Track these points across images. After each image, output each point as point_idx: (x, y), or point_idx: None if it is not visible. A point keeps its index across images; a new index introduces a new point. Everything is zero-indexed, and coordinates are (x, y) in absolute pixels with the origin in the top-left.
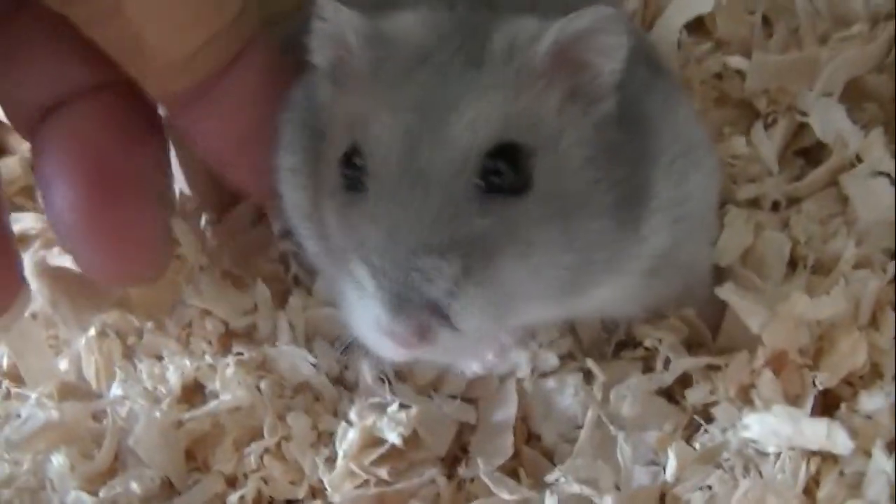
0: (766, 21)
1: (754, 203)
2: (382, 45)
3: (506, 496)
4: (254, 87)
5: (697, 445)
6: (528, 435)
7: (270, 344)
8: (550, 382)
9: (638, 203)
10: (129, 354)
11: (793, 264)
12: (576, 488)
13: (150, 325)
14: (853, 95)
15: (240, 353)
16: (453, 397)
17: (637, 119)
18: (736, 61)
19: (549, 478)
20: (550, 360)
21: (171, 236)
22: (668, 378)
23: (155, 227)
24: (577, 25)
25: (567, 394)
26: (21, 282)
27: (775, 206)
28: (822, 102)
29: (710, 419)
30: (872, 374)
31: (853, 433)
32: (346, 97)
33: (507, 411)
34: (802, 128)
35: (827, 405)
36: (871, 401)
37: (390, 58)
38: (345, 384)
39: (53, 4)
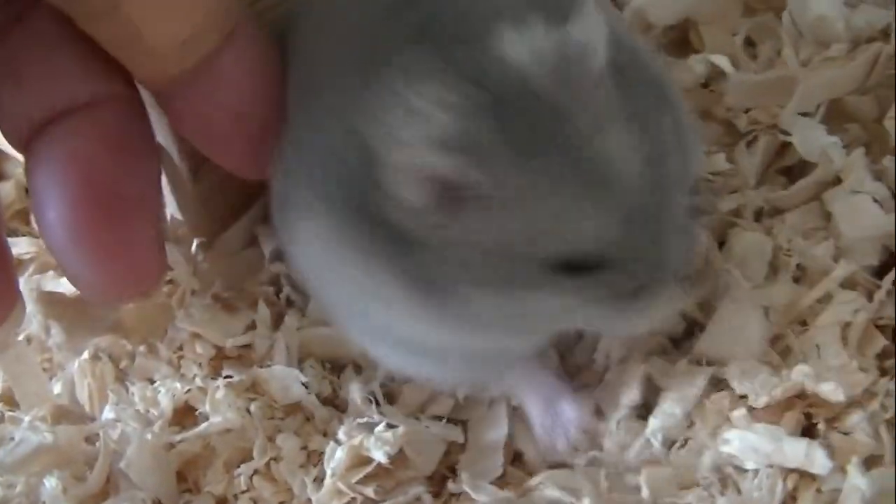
0: (751, 42)
1: (736, 213)
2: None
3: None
4: (249, 62)
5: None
6: (513, 455)
7: (263, 365)
8: None
9: None
10: (121, 378)
11: (774, 270)
12: (556, 493)
13: (142, 348)
14: (835, 116)
15: (229, 376)
16: (441, 418)
17: None
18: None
19: (530, 483)
20: None
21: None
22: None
23: (149, 244)
24: None
25: None
26: (17, 293)
27: (758, 218)
28: (803, 121)
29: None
30: None
31: (831, 451)
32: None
33: (498, 432)
34: (785, 147)
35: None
36: (850, 418)
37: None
38: (336, 405)
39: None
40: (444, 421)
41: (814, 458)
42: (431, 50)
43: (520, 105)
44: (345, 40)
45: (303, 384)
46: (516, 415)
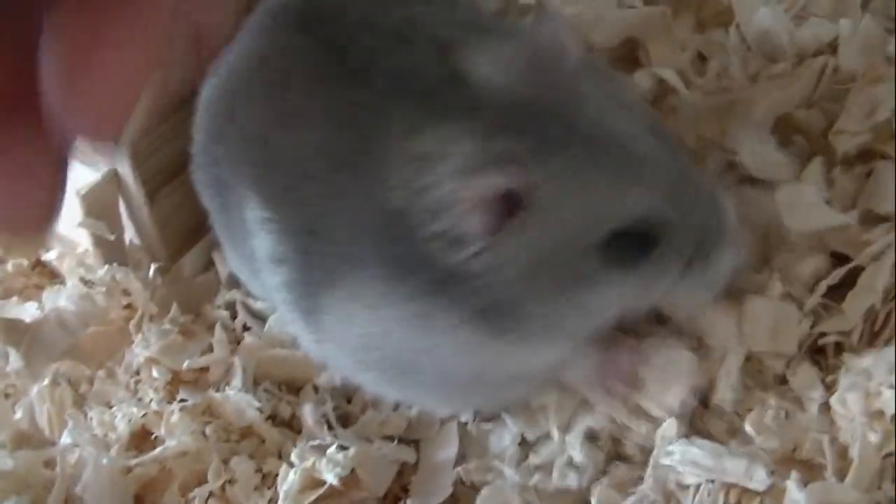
0: (702, 58)
1: None
2: None
3: None
4: None
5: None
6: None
7: (220, 388)
8: (489, 425)
9: None
10: (80, 402)
11: None
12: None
13: (101, 373)
14: (782, 130)
15: (184, 400)
16: (394, 438)
17: None
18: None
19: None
20: None
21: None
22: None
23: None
24: None
25: (504, 436)
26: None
27: None
28: (750, 138)
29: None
30: None
31: (769, 468)
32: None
33: (448, 452)
34: (733, 166)
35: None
36: None
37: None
38: (292, 427)
39: None
40: (397, 441)
41: (754, 474)
42: (419, 102)
43: (519, 113)
44: (323, 129)
45: (257, 408)
46: (466, 434)
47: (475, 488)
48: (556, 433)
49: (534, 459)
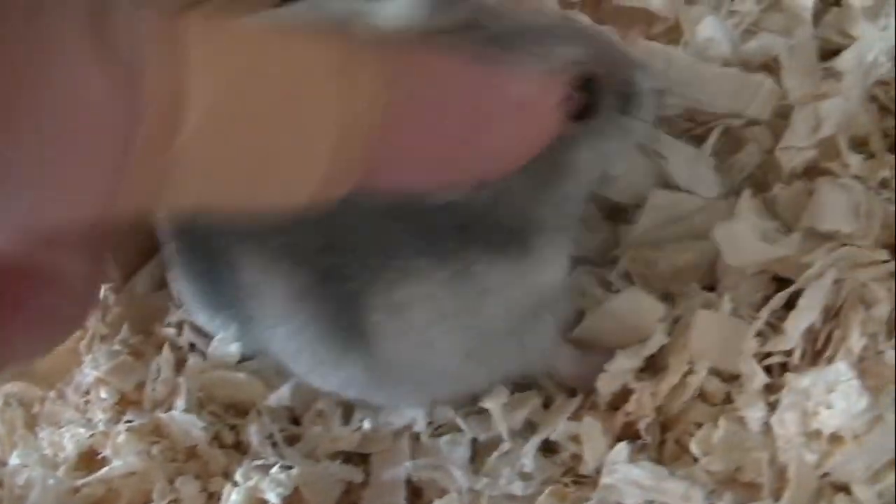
0: None
1: None
2: None
3: None
4: None
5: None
6: (412, 491)
7: (166, 409)
8: (443, 440)
9: None
10: (31, 423)
11: None
12: None
13: (52, 394)
14: (728, 145)
15: (130, 421)
16: (344, 454)
17: None
18: None
19: None
20: (447, 412)
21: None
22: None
23: None
24: None
25: (456, 451)
26: None
27: None
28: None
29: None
30: None
31: (707, 488)
32: None
33: (399, 468)
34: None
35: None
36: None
37: None
38: (238, 448)
39: None
40: (345, 459)
41: (692, 497)
42: None
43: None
44: None
45: (202, 428)
46: (418, 448)
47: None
48: (508, 443)
49: (487, 469)
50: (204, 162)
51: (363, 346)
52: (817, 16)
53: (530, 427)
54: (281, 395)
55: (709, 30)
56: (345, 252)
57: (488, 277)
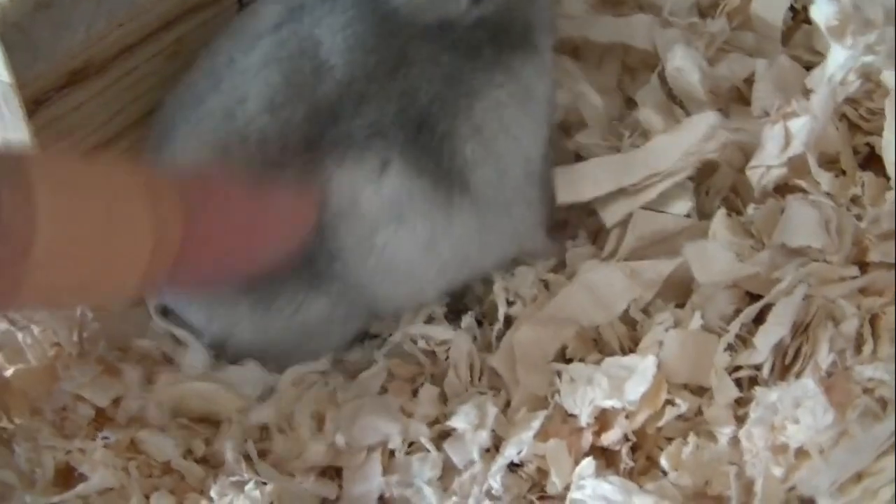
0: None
1: None
2: None
3: None
4: None
5: None
6: None
7: (141, 424)
8: (415, 458)
9: None
10: (7, 440)
11: None
12: None
13: (29, 410)
14: (701, 166)
15: (106, 437)
16: (317, 468)
17: None
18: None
19: None
20: (422, 430)
21: None
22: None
23: None
24: None
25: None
26: None
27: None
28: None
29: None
30: None
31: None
32: None
33: (371, 483)
34: None
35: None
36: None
37: None
38: (210, 462)
39: None
40: (318, 474)
41: None
42: None
43: None
44: None
45: (175, 443)
46: (392, 463)
47: None
48: (479, 463)
49: (455, 487)
50: (51, 271)
51: (464, 184)
52: (787, 34)
53: (496, 438)
54: (260, 413)
55: (677, 60)
56: (423, 103)
57: (524, 72)
